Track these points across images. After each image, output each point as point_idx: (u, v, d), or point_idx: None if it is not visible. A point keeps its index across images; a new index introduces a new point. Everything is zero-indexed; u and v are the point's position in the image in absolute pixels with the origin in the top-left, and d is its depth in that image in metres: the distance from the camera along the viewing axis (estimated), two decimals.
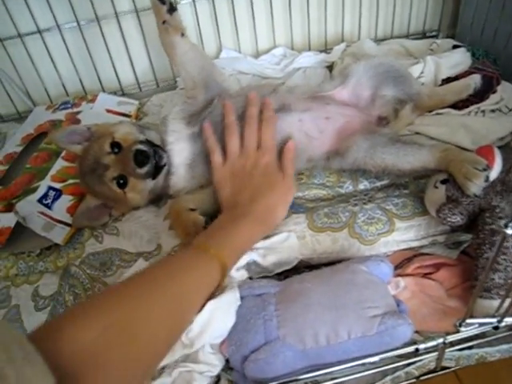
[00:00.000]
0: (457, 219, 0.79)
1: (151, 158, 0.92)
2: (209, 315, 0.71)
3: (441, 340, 0.71)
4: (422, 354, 0.73)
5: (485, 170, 0.80)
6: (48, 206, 1.00)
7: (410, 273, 0.85)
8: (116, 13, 1.36)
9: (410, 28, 1.52)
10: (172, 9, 0.98)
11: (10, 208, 1.02)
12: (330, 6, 1.45)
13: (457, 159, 0.84)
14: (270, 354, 0.68)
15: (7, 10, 1.30)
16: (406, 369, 0.75)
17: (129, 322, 0.52)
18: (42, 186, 1.03)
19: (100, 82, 1.46)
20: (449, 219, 0.80)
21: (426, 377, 0.78)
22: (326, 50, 1.48)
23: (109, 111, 1.31)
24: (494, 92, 1.10)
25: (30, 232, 0.98)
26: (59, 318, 0.54)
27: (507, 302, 0.66)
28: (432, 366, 0.76)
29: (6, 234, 1.00)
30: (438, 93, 1.11)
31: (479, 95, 1.10)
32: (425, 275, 0.86)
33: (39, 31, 1.35)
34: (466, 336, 0.72)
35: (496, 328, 0.70)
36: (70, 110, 1.31)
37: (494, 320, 0.70)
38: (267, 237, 0.87)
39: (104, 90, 1.46)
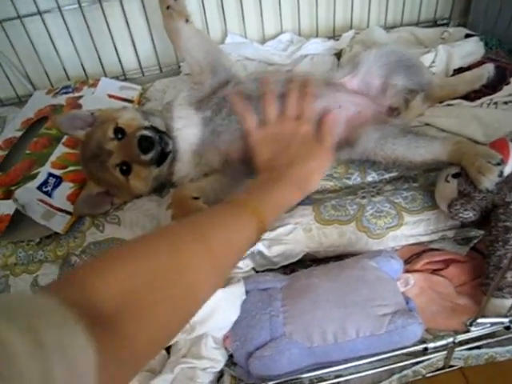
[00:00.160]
0: (469, 215, 0.77)
1: (156, 144, 0.90)
2: (213, 304, 0.70)
3: (450, 339, 0.69)
4: (430, 353, 0.71)
5: (499, 164, 0.78)
6: (48, 194, 0.98)
7: (419, 269, 0.84)
8: None
9: (420, 15, 1.48)
10: None
11: (9, 195, 1.00)
12: None
13: (470, 152, 0.82)
14: (275, 351, 0.66)
15: None
16: (414, 367, 0.73)
17: (169, 267, 0.51)
18: (42, 173, 1.01)
19: (102, 66, 1.43)
20: (461, 215, 0.78)
21: (431, 374, 0.77)
22: (334, 36, 1.45)
23: (111, 96, 1.29)
24: (508, 83, 1.07)
25: (29, 220, 0.96)
26: (91, 265, 0.52)
27: None
28: (440, 364, 0.75)
29: (5, 221, 0.98)
30: (450, 83, 1.09)
31: (492, 86, 1.07)
32: (434, 271, 0.84)
33: (39, 12, 1.32)
34: (475, 335, 0.71)
35: (508, 328, 0.69)
36: (70, 95, 1.29)
37: (505, 320, 0.69)
38: (272, 228, 0.85)
39: (106, 75, 1.43)
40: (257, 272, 0.84)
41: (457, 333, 0.71)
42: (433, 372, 0.76)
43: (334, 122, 0.88)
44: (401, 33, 1.39)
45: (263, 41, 1.45)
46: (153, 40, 1.41)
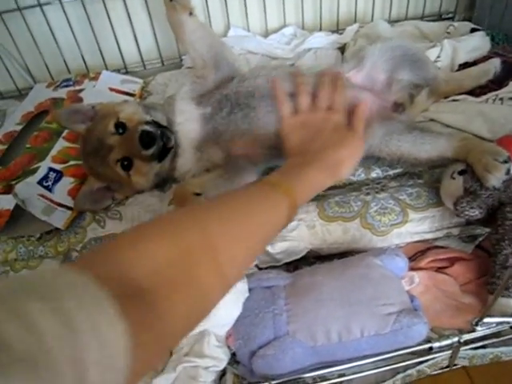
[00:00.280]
0: (475, 213, 0.76)
1: (158, 139, 0.89)
2: None
3: (456, 339, 0.69)
4: (435, 353, 0.70)
5: (506, 162, 0.76)
6: (48, 189, 0.96)
7: (424, 266, 0.83)
8: None
9: (425, 9, 1.46)
10: None
11: (9, 189, 0.98)
12: None
13: (476, 149, 0.81)
14: (278, 350, 0.66)
15: None
16: (418, 367, 0.73)
17: (208, 241, 0.50)
18: (43, 167, 0.99)
19: (103, 58, 1.41)
20: (467, 212, 0.77)
21: (435, 372, 0.76)
22: (337, 30, 1.43)
23: (112, 90, 1.27)
24: None
25: (29, 215, 0.95)
26: (123, 240, 0.50)
27: None
28: (444, 364, 0.74)
29: (5, 216, 0.97)
30: (456, 78, 1.07)
31: (498, 82, 1.06)
32: (438, 269, 0.83)
33: (39, 4, 1.30)
34: (481, 335, 0.70)
35: None
36: (71, 88, 1.27)
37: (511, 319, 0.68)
38: None
39: (107, 68, 1.41)
40: (260, 269, 0.83)
41: (462, 332, 0.70)
42: (436, 370, 0.76)
43: (365, 112, 0.87)
44: (405, 27, 1.38)
45: (266, 34, 1.43)
46: (154, 33, 1.40)
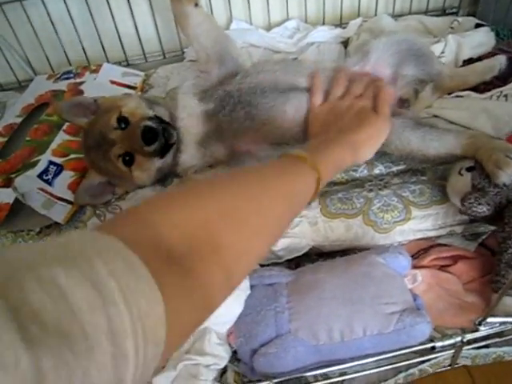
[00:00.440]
0: (483, 209, 0.75)
1: (160, 135, 0.88)
2: None
3: (459, 338, 0.68)
4: (438, 352, 0.70)
5: None
6: (48, 182, 0.95)
7: (426, 264, 0.82)
8: None
9: (428, 4, 1.44)
10: None
11: (8, 183, 0.97)
12: None
13: (486, 146, 0.80)
14: (280, 348, 0.65)
15: None
16: (420, 366, 0.72)
17: (238, 208, 0.49)
18: (43, 161, 0.98)
19: (104, 51, 1.40)
20: (474, 209, 0.76)
21: (437, 370, 0.76)
22: (341, 24, 1.42)
23: (113, 82, 1.26)
24: None
25: (29, 209, 0.94)
26: (154, 203, 0.47)
27: None
28: (447, 363, 0.74)
29: (4, 210, 0.96)
30: (461, 73, 1.06)
31: (502, 78, 1.04)
32: (441, 267, 0.83)
33: None
34: (484, 334, 0.70)
35: None
36: (72, 80, 1.26)
37: None
38: None
39: (108, 60, 1.40)
40: (261, 266, 0.82)
41: (465, 331, 0.69)
42: (438, 369, 0.75)
43: (390, 95, 0.86)
44: (409, 21, 1.36)
45: (269, 28, 1.41)
46: (156, 25, 1.38)
